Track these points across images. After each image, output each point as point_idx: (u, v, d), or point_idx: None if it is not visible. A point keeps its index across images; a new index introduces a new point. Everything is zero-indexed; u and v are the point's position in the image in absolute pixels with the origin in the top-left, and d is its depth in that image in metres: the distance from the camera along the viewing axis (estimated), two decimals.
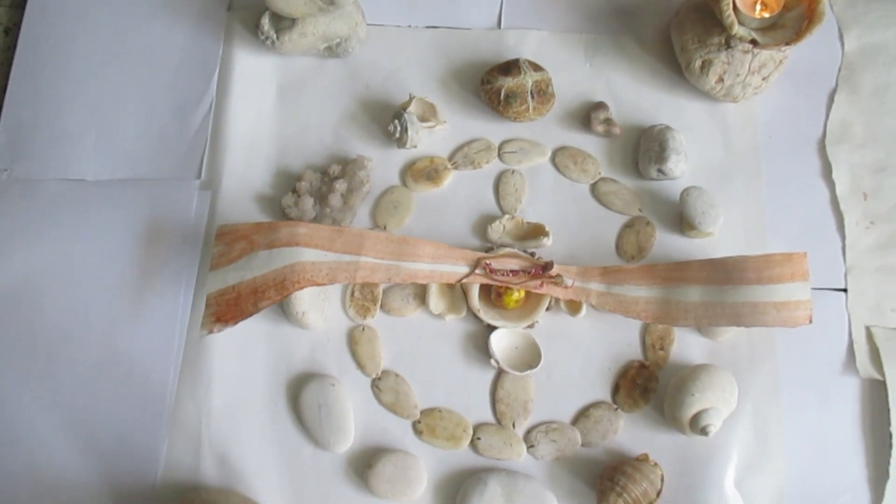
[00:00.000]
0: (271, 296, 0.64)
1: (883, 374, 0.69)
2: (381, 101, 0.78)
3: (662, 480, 0.66)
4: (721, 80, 0.74)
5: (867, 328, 0.71)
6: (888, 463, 0.67)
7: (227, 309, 0.65)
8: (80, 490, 0.69)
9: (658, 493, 0.65)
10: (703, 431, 0.64)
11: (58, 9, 0.84)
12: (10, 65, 0.83)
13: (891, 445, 0.67)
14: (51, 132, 0.80)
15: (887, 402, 0.68)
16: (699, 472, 0.67)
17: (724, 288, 0.65)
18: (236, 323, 0.65)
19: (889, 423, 0.67)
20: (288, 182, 0.76)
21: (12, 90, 0.82)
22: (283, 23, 0.76)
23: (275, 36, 0.76)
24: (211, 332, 0.65)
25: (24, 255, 0.76)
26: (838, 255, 0.73)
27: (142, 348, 0.72)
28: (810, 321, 0.64)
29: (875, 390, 0.69)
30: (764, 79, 0.74)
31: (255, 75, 0.79)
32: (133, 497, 0.68)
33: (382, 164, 0.76)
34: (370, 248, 0.67)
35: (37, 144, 0.80)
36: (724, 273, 0.66)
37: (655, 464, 0.66)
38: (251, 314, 0.64)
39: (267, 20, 0.76)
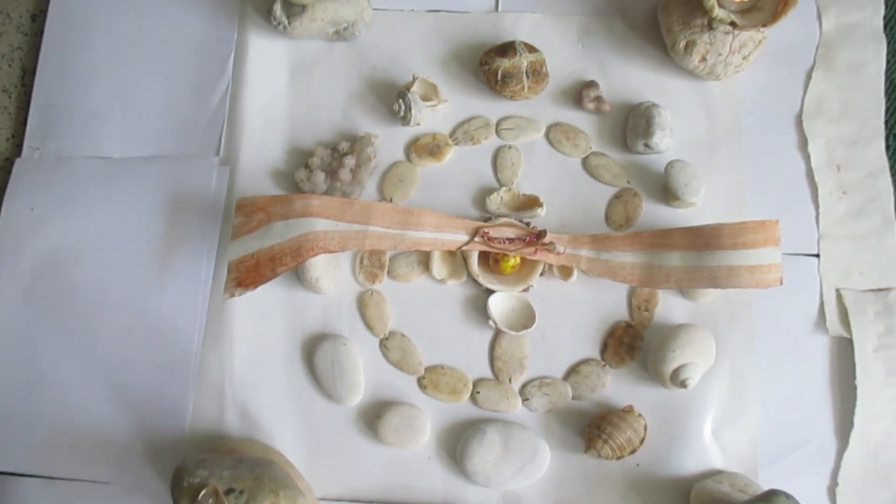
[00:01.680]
0: (287, 262, 0.70)
1: (850, 332, 0.74)
2: (386, 82, 0.83)
3: (645, 429, 0.72)
4: (704, 59, 0.79)
5: (837, 290, 0.76)
6: (853, 414, 0.72)
7: (247, 274, 0.71)
8: (116, 439, 0.75)
9: (641, 441, 0.71)
10: (683, 384, 0.70)
11: None
12: (38, 50, 0.88)
13: (856, 398, 0.72)
14: (79, 113, 0.85)
15: (853, 358, 0.73)
16: (679, 423, 0.72)
17: (702, 253, 0.71)
18: (256, 287, 0.70)
19: (855, 378, 0.72)
20: (300, 158, 0.81)
21: (41, 74, 0.87)
22: (293, 8, 0.81)
23: (286, 21, 0.81)
24: (233, 295, 0.71)
25: (57, 227, 0.81)
26: (812, 223, 0.77)
27: (169, 311, 0.78)
28: (781, 283, 0.69)
29: (843, 347, 0.74)
30: (744, 58, 0.79)
31: (268, 58, 0.84)
32: (164, 445, 0.75)
33: (388, 141, 0.81)
34: (377, 218, 0.72)
35: (66, 124, 0.85)
36: (703, 239, 0.71)
37: (639, 415, 0.72)
38: (269, 279, 0.70)
39: (279, 6, 0.81)
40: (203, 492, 0.61)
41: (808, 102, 0.81)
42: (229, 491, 0.62)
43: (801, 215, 0.78)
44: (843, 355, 0.74)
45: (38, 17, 0.90)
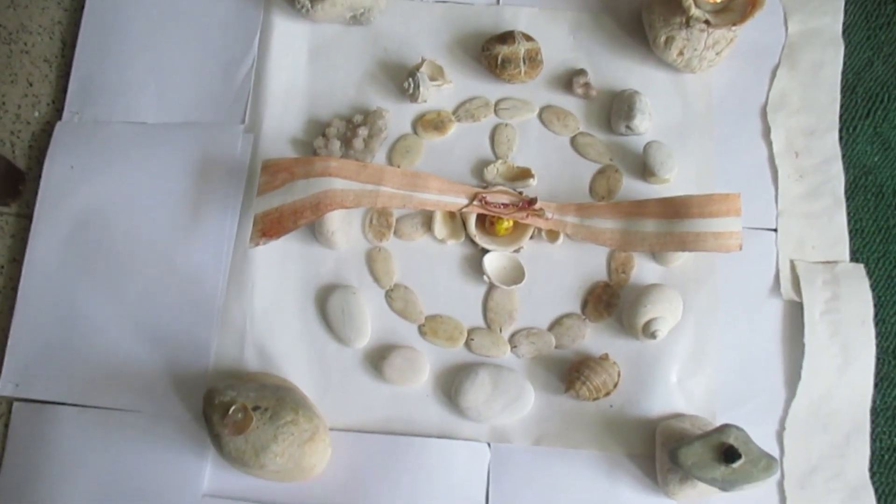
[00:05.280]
0: (308, 215, 0.78)
1: (801, 297, 0.83)
2: (396, 63, 0.92)
3: (619, 375, 0.81)
4: (681, 53, 0.88)
5: (791, 261, 0.84)
6: (801, 368, 0.81)
7: (271, 226, 0.79)
8: (145, 373, 0.83)
9: (615, 385, 0.80)
10: (653, 335, 0.79)
11: None
12: (77, 24, 0.95)
13: (803, 354, 0.81)
14: (116, 82, 0.93)
15: (803, 320, 0.82)
16: (649, 371, 0.81)
17: (673, 221, 0.80)
18: (279, 237, 0.79)
19: (803, 336, 0.82)
20: (318, 128, 0.89)
21: (82, 45, 0.94)
22: None
23: (309, 5, 0.90)
24: (258, 244, 0.79)
25: (95, 184, 0.89)
26: (771, 201, 0.86)
27: (196, 262, 0.86)
28: (740, 248, 0.78)
29: (794, 311, 0.83)
30: (717, 53, 0.88)
31: (290, 38, 0.92)
32: (189, 379, 0.83)
33: (397, 116, 0.89)
34: (388, 180, 0.81)
35: (104, 92, 0.93)
36: (674, 209, 0.80)
37: (614, 362, 0.81)
38: (291, 230, 0.78)
39: None
40: (233, 407, 0.69)
41: (773, 96, 0.90)
42: (255, 408, 0.71)
43: (762, 194, 0.87)
44: (794, 317, 0.83)
45: None
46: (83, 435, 0.82)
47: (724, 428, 0.72)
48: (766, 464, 0.71)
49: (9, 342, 0.85)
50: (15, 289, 0.87)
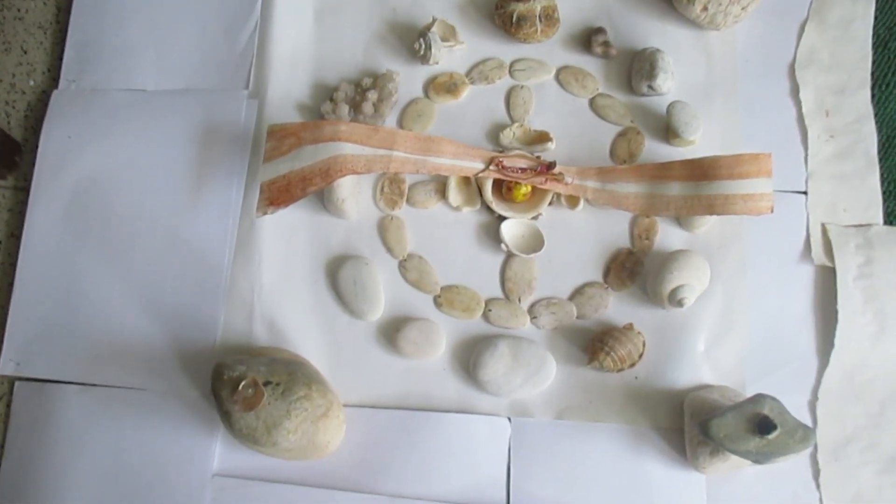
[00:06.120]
0: (317, 182, 0.75)
1: (833, 262, 0.80)
2: (406, 24, 0.88)
3: (644, 346, 0.78)
4: (706, 8, 0.84)
5: (822, 225, 0.81)
6: (833, 336, 0.78)
7: (278, 194, 0.76)
8: (150, 349, 0.81)
9: (640, 356, 0.77)
10: (679, 303, 0.76)
11: None
12: None
13: (836, 321, 0.78)
14: (113, 48, 0.90)
15: (835, 286, 0.79)
16: (675, 341, 0.78)
17: (700, 183, 0.76)
18: (287, 205, 0.76)
19: (836, 303, 0.78)
20: (325, 93, 0.86)
21: (77, 9, 0.91)
22: None
23: None
24: (265, 213, 0.76)
25: (94, 154, 0.86)
26: (801, 163, 0.83)
27: (201, 233, 0.83)
28: (771, 210, 0.75)
29: (826, 276, 0.80)
30: (743, 8, 0.84)
31: None
32: (195, 355, 0.80)
33: (408, 79, 0.86)
34: (401, 144, 0.78)
35: (101, 58, 0.90)
36: (701, 170, 0.77)
37: (639, 332, 0.78)
38: (300, 198, 0.75)
39: None
40: (243, 382, 0.66)
41: (801, 53, 0.86)
42: (267, 383, 0.67)
43: (792, 156, 0.83)
44: (826, 283, 0.80)
45: None
46: (87, 414, 0.80)
47: (758, 398, 0.69)
48: (803, 434, 0.67)
49: (8, 319, 0.83)
50: (14, 264, 0.85)
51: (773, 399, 0.69)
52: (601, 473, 0.76)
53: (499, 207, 0.81)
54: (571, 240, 0.81)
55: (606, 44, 0.85)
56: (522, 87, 0.85)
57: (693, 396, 0.75)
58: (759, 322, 0.79)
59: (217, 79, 0.88)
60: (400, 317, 0.80)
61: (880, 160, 0.83)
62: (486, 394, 0.78)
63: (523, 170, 0.80)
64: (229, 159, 0.85)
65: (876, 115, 0.85)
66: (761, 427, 0.67)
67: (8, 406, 0.82)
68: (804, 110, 0.85)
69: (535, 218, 0.81)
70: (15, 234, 0.86)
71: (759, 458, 0.68)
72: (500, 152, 0.82)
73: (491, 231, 0.81)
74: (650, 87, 0.83)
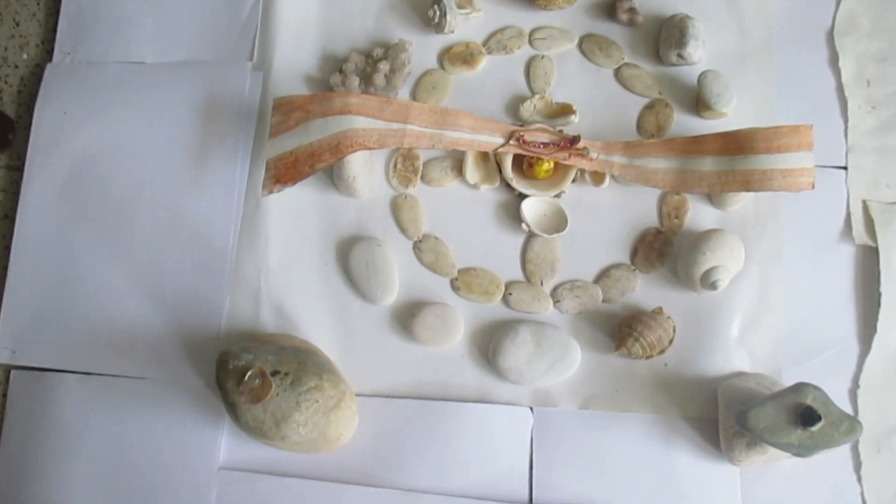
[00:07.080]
0: (327, 158, 0.70)
1: (876, 241, 0.75)
2: None
3: (674, 331, 0.73)
4: None
5: (864, 202, 0.77)
6: (876, 319, 0.73)
7: (285, 171, 0.71)
8: (152, 336, 0.77)
9: (670, 342, 0.73)
10: (713, 286, 0.71)
11: None
12: None
13: (879, 304, 0.74)
14: (110, 18, 0.85)
15: (878, 266, 0.74)
16: (707, 326, 0.74)
17: (735, 157, 0.72)
18: (294, 183, 0.71)
19: (879, 284, 0.74)
20: (334, 65, 0.81)
21: None
22: None
23: None
24: (271, 192, 0.72)
25: (91, 130, 0.82)
26: (840, 136, 0.78)
27: (204, 213, 0.79)
28: (813, 187, 0.70)
29: (868, 256, 0.75)
30: None
31: None
32: (199, 342, 0.76)
33: (421, 49, 0.81)
34: (415, 118, 0.73)
35: (97, 29, 0.85)
36: (736, 144, 0.72)
37: (669, 316, 0.74)
38: (308, 175, 0.71)
39: None
40: (249, 372, 0.62)
41: (840, 19, 0.81)
42: (275, 373, 0.63)
43: (830, 128, 0.78)
44: (868, 264, 0.75)
45: None
46: (86, 404, 0.76)
47: (800, 387, 0.65)
48: (849, 426, 0.63)
49: (3, 305, 0.80)
50: (8, 247, 0.81)
51: (817, 388, 0.65)
52: (628, 466, 0.72)
53: (519, 185, 0.76)
54: (596, 219, 0.77)
55: (632, 10, 0.80)
56: (543, 56, 0.80)
57: (727, 384, 0.71)
58: (796, 306, 0.75)
59: (219, 50, 0.83)
60: (415, 301, 0.76)
61: None
62: (507, 382, 0.74)
63: (545, 144, 0.75)
64: (233, 135, 0.80)
65: None
66: (804, 418, 0.63)
67: (4, 396, 0.79)
68: (844, 80, 0.80)
69: (557, 196, 0.76)
70: (9, 216, 0.83)
71: (801, 450, 0.63)
72: (521, 126, 0.77)
73: (511, 210, 0.77)
74: (679, 55, 0.78)
